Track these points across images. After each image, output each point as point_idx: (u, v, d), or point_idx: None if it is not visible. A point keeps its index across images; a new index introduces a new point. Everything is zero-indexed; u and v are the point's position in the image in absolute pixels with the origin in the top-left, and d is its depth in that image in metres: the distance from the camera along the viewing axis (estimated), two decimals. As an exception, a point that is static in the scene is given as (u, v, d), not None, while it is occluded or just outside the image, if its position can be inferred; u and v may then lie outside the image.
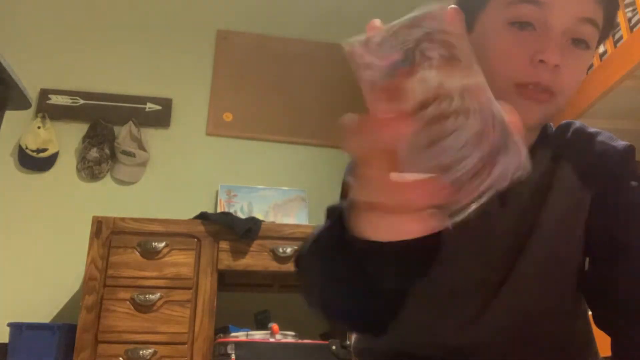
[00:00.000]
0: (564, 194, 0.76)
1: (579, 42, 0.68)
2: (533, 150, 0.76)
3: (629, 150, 0.77)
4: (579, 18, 0.67)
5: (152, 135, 2.90)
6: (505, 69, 0.67)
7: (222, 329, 2.16)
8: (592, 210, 0.75)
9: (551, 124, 0.83)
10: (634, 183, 0.76)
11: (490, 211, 0.71)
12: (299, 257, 0.69)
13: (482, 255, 0.75)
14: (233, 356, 2.03)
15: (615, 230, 0.74)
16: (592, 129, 0.81)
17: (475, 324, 0.75)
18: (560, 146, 0.79)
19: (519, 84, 0.67)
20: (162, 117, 2.92)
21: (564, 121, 0.84)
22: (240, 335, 2.07)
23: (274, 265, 2.21)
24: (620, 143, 0.78)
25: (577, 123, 0.82)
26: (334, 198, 0.90)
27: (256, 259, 2.21)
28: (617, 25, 2.21)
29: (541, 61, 0.65)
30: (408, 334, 0.78)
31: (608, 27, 0.72)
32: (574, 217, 0.75)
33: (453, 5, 0.74)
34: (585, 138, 0.79)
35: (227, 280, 2.46)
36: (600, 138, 0.79)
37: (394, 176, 0.34)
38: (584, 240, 0.76)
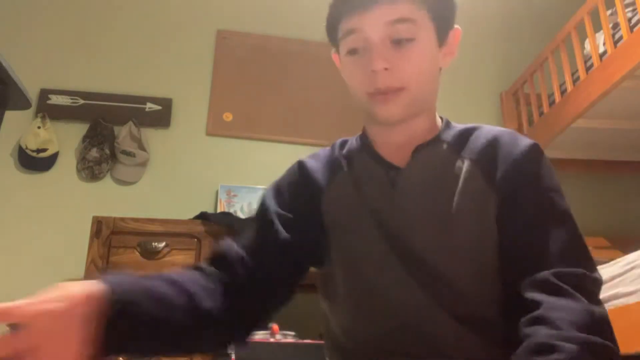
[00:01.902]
0: (474, 192, 0.82)
1: (400, 41, 0.82)
2: (430, 142, 0.88)
3: (534, 148, 0.84)
4: (389, 22, 0.82)
5: (152, 135, 2.90)
6: (357, 85, 0.86)
7: (222, 329, 2.15)
8: (498, 211, 0.81)
9: (454, 124, 0.93)
10: (534, 182, 0.82)
11: (381, 187, 0.86)
12: None
13: (377, 232, 0.83)
14: (233, 356, 2.02)
15: (514, 232, 0.80)
16: (497, 130, 0.89)
17: (396, 304, 0.80)
18: (463, 145, 0.87)
19: (368, 93, 0.84)
20: (162, 117, 2.92)
21: (470, 124, 0.92)
22: (240, 335, 2.07)
23: (274, 265, 2.21)
24: (525, 142, 0.84)
25: (484, 126, 0.91)
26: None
27: (256, 259, 2.21)
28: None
29: (373, 71, 0.82)
30: (349, 332, 0.85)
31: (441, 8, 0.86)
32: (484, 214, 0.81)
33: (333, 50, 0.94)
34: (491, 140, 0.86)
35: (227, 280, 2.46)
36: (506, 139, 0.86)
37: None
38: (496, 233, 0.81)
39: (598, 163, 3.02)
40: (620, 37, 2.19)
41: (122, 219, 2.19)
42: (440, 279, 0.80)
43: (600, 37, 2.38)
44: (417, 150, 0.87)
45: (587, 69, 2.41)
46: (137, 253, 2.15)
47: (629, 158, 3.03)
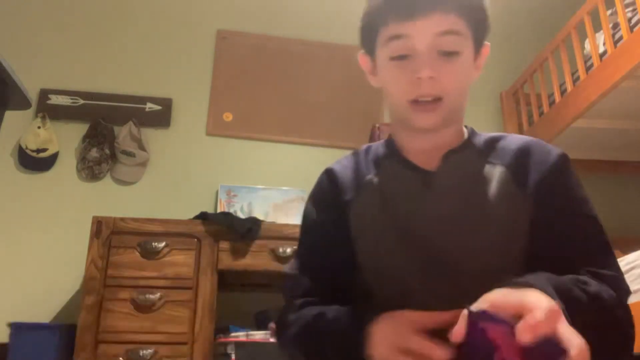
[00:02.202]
0: (506, 197, 0.85)
1: (447, 53, 0.83)
2: (460, 148, 0.91)
3: (562, 157, 0.88)
4: (438, 33, 0.82)
5: (152, 135, 2.90)
6: (398, 92, 0.86)
7: (222, 329, 2.16)
8: (534, 214, 0.84)
9: (480, 132, 0.96)
10: (569, 189, 0.86)
11: (413, 190, 0.88)
12: (287, 335, 0.86)
13: (412, 234, 0.85)
14: (233, 356, 2.03)
15: (551, 235, 0.83)
16: (525, 138, 0.92)
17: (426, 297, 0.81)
18: (492, 152, 0.90)
19: (410, 100, 0.85)
20: (162, 117, 2.92)
21: (495, 133, 0.96)
22: (240, 335, 2.07)
23: (274, 265, 2.21)
24: (555, 151, 0.89)
25: (510, 134, 0.95)
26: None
27: (256, 259, 2.21)
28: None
29: (418, 78, 0.82)
30: None
31: (481, 24, 0.89)
32: (516, 218, 0.84)
33: (361, 52, 0.95)
34: (520, 147, 0.90)
35: (227, 280, 2.46)
36: (535, 147, 0.90)
37: None
38: (524, 237, 0.84)
39: (598, 163, 3.01)
40: (620, 37, 2.19)
41: (122, 219, 2.19)
42: (466, 282, 0.80)
43: (600, 37, 2.38)
44: (448, 155, 0.90)
45: (587, 69, 2.41)
46: (137, 253, 2.14)
47: (629, 158, 3.03)
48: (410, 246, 0.84)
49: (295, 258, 0.95)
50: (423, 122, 0.86)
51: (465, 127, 0.96)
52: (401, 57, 0.85)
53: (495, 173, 0.87)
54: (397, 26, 0.84)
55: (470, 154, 0.90)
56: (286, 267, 0.94)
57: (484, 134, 0.96)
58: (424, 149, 0.91)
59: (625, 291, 0.79)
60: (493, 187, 0.85)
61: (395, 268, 0.85)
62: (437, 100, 0.84)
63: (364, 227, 0.90)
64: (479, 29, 0.88)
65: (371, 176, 0.93)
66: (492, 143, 0.92)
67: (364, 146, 1.01)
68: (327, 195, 0.95)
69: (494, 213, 0.84)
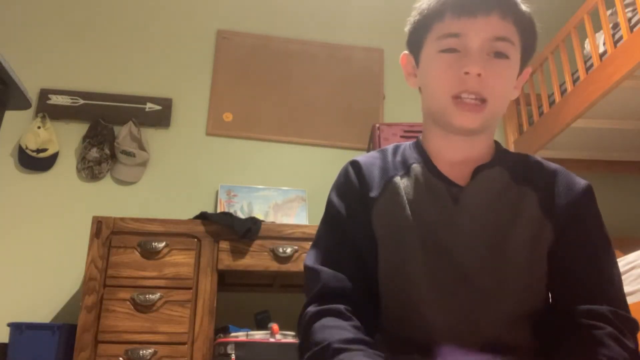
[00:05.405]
0: (530, 220, 0.86)
1: (498, 54, 0.85)
2: (490, 164, 0.90)
3: (589, 188, 0.90)
4: (491, 38, 0.84)
5: (152, 135, 2.90)
6: (442, 86, 0.85)
7: (222, 329, 2.16)
8: (555, 240, 0.85)
9: (506, 149, 0.97)
10: (593, 220, 0.88)
11: (441, 202, 0.87)
12: None
13: (441, 246, 0.84)
14: (233, 356, 2.03)
15: (572, 263, 0.85)
16: (552, 165, 0.93)
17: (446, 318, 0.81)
18: (521, 173, 0.90)
19: (454, 95, 0.84)
20: (162, 117, 2.92)
21: (522, 152, 0.97)
22: (240, 335, 2.07)
23: (274, 265, 2.21)
24: (581, 181, 0.90)
25: (537, 157, 0.95)
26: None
27: (256, 259, 2.21)
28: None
29: (466, 73, 0.82)
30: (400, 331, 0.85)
31: (530, 45, 0.90)
32: (538, 241, 0.85)
33: (405, 52, 0.95)
34: (548, 173, 0.91)
35: (227, 280, 2.46)
36: (563, 175, 0.91)
37: None
38: (547, 263, 0.86)
39: (598, 163, 3.01)
40: (620, 37, 2.19)
41: (122, 219, 2.19)
42: (482, 301, 0.81)
43: (600, 37, 2.38)
44: (478, 170, 0.89)
45: (587, 69, 2.41)
46: (137, 253, 2.14)
47: (629, 158, 3.02)
48: (430, 256, 0.83)
49: (316, 250, 0.91)
50: (464, 121, 0.85)
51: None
52: (451, 50, 0.84)
53: (523, 196, 0.87)
54: (454, 22, 0.84)
55: (500, 171, 0.90)
56: (306, 260, 0.91)
57: (510, 151, 0.96)
58: (454, 157, 0.90)
59: (636, 328, 0.81)
60: (520, 209, 0.86)
61: (411, 275, 0.83)
62: (482, 101, 0.84)
63: (386, 227, 0.88)
64: (528, 48, 0.89)
65: (398, 177, 0.91)
66: (521, 163, 0.92)
67: (391, 145, 0.99)
68: (354, 189, 0.92)
69: (518, 235, 0.84)
